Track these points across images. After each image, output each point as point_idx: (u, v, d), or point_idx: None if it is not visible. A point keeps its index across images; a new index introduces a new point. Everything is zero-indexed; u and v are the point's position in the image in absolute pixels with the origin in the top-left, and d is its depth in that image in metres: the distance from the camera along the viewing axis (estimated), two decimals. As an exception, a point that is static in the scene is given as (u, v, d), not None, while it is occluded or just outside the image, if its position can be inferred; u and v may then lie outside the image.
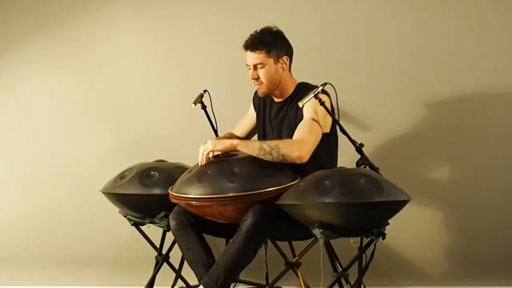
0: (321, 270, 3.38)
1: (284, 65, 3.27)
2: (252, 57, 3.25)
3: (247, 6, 4.04)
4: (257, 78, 3.27)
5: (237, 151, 3.11)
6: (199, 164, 3.12)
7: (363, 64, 3.97)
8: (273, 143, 3.07)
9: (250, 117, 3.55)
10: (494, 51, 3.89)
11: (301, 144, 3.08)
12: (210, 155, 3.12)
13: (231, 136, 3.46)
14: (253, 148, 3.07)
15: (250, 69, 3.28)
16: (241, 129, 3.58)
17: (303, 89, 3.29)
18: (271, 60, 3.24)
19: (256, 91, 3.43)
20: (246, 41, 3.25)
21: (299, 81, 3.36)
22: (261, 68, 3.24)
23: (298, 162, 3.06)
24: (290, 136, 3.17)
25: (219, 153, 3.14)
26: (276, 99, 3.37)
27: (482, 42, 3.89)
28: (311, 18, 4.00)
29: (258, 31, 3.25)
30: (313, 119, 3.14)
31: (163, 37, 4.11)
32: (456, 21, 3.91)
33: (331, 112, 3.19)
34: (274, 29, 3.27)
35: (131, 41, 4.14)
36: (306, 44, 3.90)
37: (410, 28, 3.94)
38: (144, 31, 4.12)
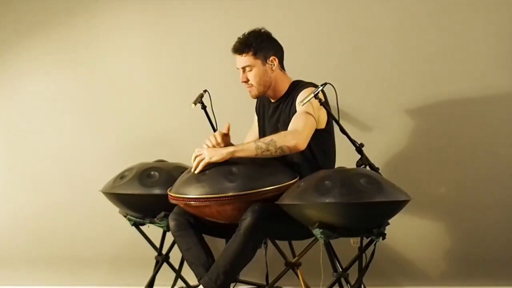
0: (321, 270, 3.38)
1: (273, 65, 3.26)
2: (240, 60, 3.25)
3: (248, 6, 4.03)
4: (247, 81, 3.27)
5: (235, 157, 3.07)
6: (192, 170, 3.09)
7: (363, 64, 3.96)
8: (267, 139, 3.06)
9: (256, 127, 3.52)
10: (495, 51, 3.88)
11: (295, 133, 3.07)
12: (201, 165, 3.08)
13: None
14: (250, 149, 3.05)
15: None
16: (251, 140, 3.55)
17: (297, 86, 3.28)
18: (258, 62, 3.23)
19: (257, 100, 3.44)
20: (234, 45, 3.25)
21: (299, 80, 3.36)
22: (250, 70, 3.24)
23: (296, 150, 3.06)
24: (286, 133, 3.17)
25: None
26: (272, 100, 3.37)
27: (485, 42, 3.88)
28: (312, 18, 3.99)
29: (244, 34, 3.25)
30: (307, 112, 3.13)
31: (163, 37, 4.11)
32: (456, 21, 3.91)
33: (329, 110, 3.18)
34: (259, 31, 3.26)
35: (131, 40, 4.13)
36: (307, 44, 3.91)
37: (411, 28, 3.93)
38: (144, 31, 4.12)
